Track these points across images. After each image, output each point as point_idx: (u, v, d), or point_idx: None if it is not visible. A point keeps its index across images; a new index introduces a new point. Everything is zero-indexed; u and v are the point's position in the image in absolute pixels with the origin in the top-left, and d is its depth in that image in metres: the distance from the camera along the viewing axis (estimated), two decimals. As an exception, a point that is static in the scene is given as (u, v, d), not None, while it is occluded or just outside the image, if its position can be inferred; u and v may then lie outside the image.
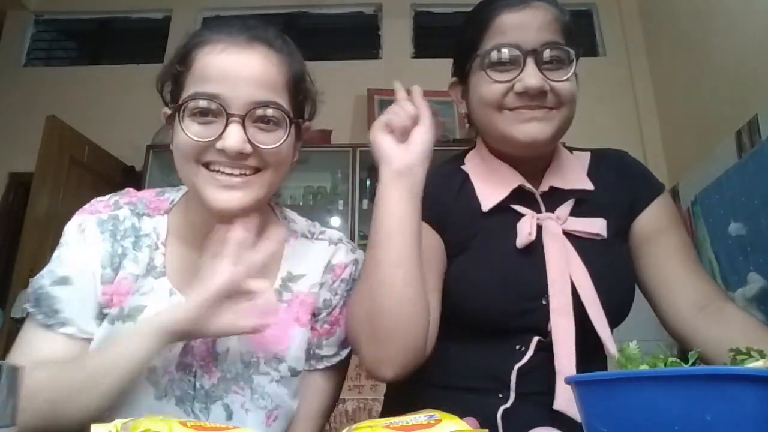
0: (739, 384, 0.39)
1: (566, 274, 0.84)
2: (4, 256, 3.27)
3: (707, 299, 0.87)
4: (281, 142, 0.75)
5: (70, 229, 0.81)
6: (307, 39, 3.64)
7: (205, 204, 0.75)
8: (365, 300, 0.78)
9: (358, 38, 3.79)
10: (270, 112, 0.74)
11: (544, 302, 0.83)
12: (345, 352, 0.90)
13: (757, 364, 0.45)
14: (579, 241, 0.87)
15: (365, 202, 3.06)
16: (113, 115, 3.38)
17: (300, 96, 0.81)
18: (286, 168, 0.80)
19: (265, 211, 0.89)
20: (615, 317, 0.88)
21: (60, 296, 0.76)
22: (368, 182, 3.17)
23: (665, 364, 0.46)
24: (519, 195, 0.89)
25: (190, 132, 0.73)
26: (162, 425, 0.46)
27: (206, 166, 0.74)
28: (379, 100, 3.38)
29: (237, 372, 0.80)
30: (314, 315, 0.87)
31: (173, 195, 0.88)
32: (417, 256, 0.78)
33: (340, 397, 0.96)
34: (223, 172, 0.74)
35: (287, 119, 0.76)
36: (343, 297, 0.89)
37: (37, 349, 0.75)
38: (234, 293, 0.71)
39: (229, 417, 0.79)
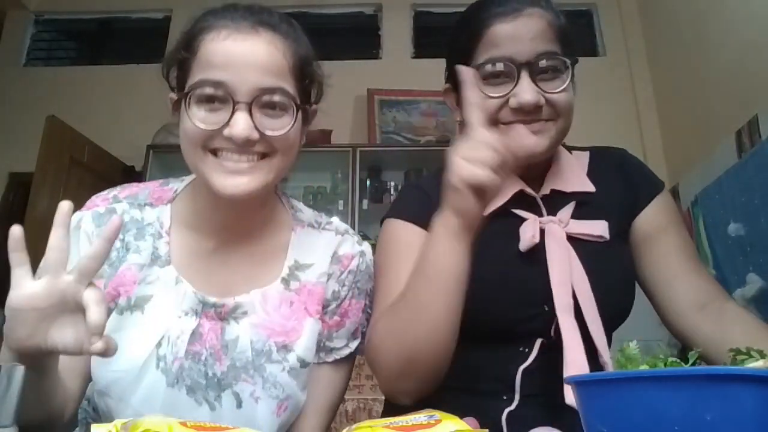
0: (739, 384, 0.39)
1: (569, 279, 0.83)
2: (4, 255, 3.26)
3: (708, 298, 0.87)
4: (288, 128, 0.75)
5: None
6: (308, 39, 3.63)
7: (212, 190, 0.75)
8: (406, 343, 0.76)
9: (358, 38, 3.79)
10: (276, 98, 0.74)
11: (546, 308, 0.83)
12: (354, 344, 0.90)
13: (757, 364, 0.45)
14: (581, 244, 0.87)
15: (365, 202, 3.06)
16: (113, 115, 3.38)
17: (306, 80, 0.80)
18: (294, 153, 0.80)
19: (272, 199, 0.89)
20: (615, 319, 0.88)
21: None
22: (368, 182, 3.17)
23: (665, 364, 0.46)
24: (520, 199, 0.89)
25: (196, 119, 0.73)
26: (162, 425, 0.46)
27: (213, 152, 0.75)
28: (379, 100, 3.38)
29: (247, 360, 0.79)
30: (323, 307, 0.87)
31: (177, 185, 0.89)
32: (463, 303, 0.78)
33: (340, 396, 0.96)
34: (230, 159, 0.74)
35: (294, 105, 0.75)
36: (351, 288, 0.89)
37: None
38: (72, 306, 0.63)
39: (239, 405, 0.79)
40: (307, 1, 3.73)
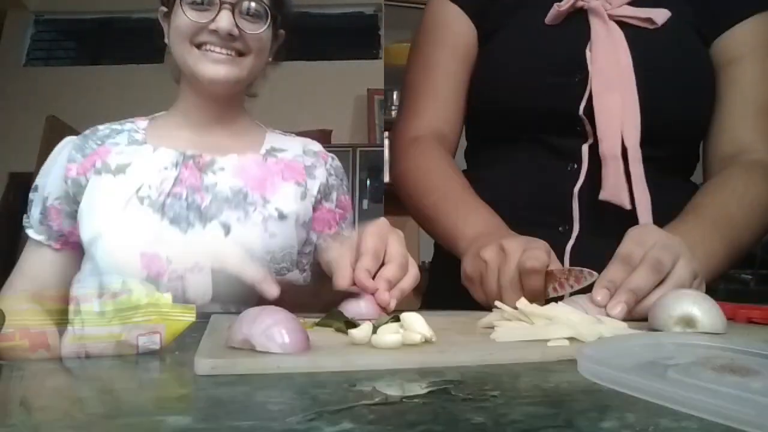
0: (739, 383, 0.39)
1: (612, 54, 0.75)
2: (4, 255, 3.26)
3: (737, 150, 0.78)
4: (263, 29, 0.90)
5: (56, 148, 0.97)
6: (307, 39, 3.64)
7: (196, 78, 0.88)
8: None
9: (358, 38, 3.79)
10: (253, 5, 0.89)
11: (577, 79, 0.77)
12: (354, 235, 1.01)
13: (757, 364, 0.44)
14: (631, 32, 0.77)
15: (365, 202, 3.06)
16: (113, 115, 3.33)
17: (279, 2, 0.94)
18: (265, 57, 0.95)
19: (243, 115, 1.01)
20: (688, 102, 0.78)
21: (33, 200, 0.95)
22: (368, 182, 3.17)
23: (665, 364, 0.46)
24: None
25: (187, 14, 0.87)
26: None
27: (198, 47, 0.88)
28: (379, 100, 3.38)
29: (227, 197, 0.89)
30: (324, 196, 0.98)
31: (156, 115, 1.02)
32: None
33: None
34: (212, 51, 0.87)
35: (268, 12, 0.90)
36: (338, 182, 1.01)
37: (24, 258, 0.97)
38: None
39: (228, 232, 0.86)
40: (307, 1, 3.73)
